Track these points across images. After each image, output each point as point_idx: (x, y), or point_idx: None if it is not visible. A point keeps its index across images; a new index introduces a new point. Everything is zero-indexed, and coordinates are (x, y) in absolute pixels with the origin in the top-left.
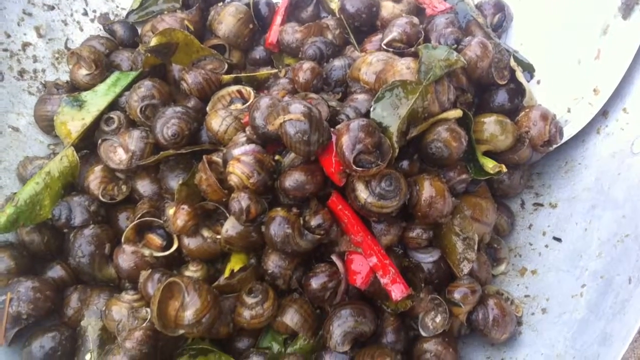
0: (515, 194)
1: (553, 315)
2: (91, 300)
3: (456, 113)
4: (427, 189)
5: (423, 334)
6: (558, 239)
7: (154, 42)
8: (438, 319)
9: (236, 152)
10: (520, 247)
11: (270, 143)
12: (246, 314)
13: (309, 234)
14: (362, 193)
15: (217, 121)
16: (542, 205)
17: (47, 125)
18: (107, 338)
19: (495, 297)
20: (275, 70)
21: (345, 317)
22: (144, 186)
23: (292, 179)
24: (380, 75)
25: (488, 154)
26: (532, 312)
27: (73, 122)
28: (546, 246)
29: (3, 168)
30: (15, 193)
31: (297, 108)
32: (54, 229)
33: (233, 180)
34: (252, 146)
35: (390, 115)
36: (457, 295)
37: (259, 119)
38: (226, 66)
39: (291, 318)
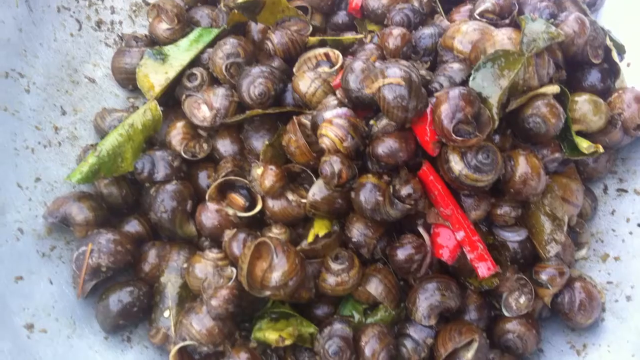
0: (599, 178)
1: (639, 303)
2: (170, 257)
3: (554, 89)
4: (523, 165)
5: (506, 314)
6: None
7: None
8: (522, 300)
9: (328, 114)
10: (602, 233)
11: (360, 108)
12: (331, 280)
13: (399, 203)
14: (457, 165)
15: (306, 83)
16: (626, 191)
17: (124, 78)
18: (187, 296)
19: (582, 280)
20: (361, 36)
21: (432, 290)
22: (225, 145)
23: (386, 146)
24: (477, 45)
25: (578, 134)
26: (616, 299)
27: (156, 75)
28: (630, 233)
29: (79, 118)
30: (96, 143)
31: (396, 72)
32: (132, 182)
33: (325, 142)
34: (344, 109)
35: (491, 85)
36: (544, 277)
37: (353, 82)
38: (311, 28)
39: (375, 288)
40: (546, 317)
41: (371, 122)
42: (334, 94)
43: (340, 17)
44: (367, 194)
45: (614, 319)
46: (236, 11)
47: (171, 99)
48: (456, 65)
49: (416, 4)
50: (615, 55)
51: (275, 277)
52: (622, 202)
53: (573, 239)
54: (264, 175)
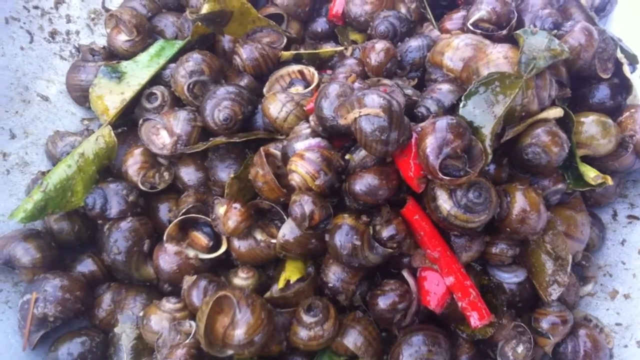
0: (607, 203)
1: None
2: (126, 303)
3: (557, 112)
4: (520, 202)
5: None
6: None
7: (206, 9)
8: (520, 349)
9: (299, 146)
10: (611, 266)
11: (337, 137)
12: (303, 333)
13: (380, 246)
14: (445, 203)
15: (277, 106)
16: (638, 218)
17: (80, 95)
18: (143, 349)
19: (586, 326)
20: (341, 48)
21: (417, 345)
22: (189, 174)
23: (364, 183)
24: (469, 63)
25: (584, 159)
26: (625, 344)
27: (111, 96)
28: None
29: (30, 142)
30: (44, 174)
31: (374, 101)
32: (85, 216)
33: (295, 180)
34: (317, 140)
35: (484, 113)
36: (545, 325)
37: (327, 109)
38: (285, 40)
39: (354, 341)
40: None
41: (347, 156)
42: (307, 120)
43: (320, 24)
44: (342, 238)
45: None
46: (200, 23)
47: (130, 121)
48: (445, 87)
49: (403, 11)
50: (626, 69)
51: (239, 334)
52: (633, 231)
53: (578, 273)
54: (228, 215)
